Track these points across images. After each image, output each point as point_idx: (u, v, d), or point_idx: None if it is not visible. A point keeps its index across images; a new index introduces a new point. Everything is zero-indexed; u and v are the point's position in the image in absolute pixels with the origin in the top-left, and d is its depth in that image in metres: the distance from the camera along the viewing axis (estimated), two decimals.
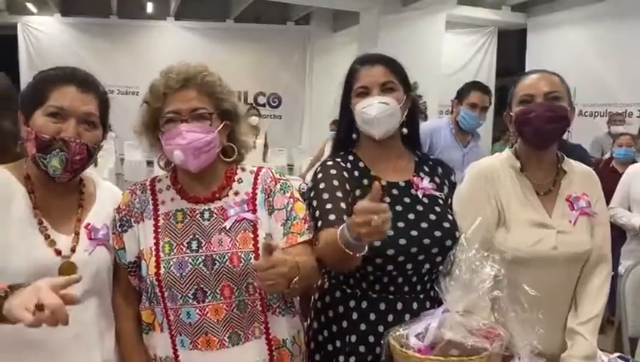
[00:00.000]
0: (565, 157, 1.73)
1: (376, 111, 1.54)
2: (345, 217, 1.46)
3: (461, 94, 3.36)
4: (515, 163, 1.68)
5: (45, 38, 11.62)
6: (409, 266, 1.52)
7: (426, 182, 1.61)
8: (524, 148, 1.68)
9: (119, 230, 1.42)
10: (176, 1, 11.00)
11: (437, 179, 1.66)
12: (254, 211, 1.42)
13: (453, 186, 1.70)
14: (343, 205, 1.49)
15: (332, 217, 1.47)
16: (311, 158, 7.46)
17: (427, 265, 1.54)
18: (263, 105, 11.51)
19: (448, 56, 8.33)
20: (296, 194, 1.48)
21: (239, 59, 10.34)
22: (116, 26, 11.76)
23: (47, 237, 1.31)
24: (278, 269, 1.18)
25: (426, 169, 1.67)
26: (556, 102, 1.60)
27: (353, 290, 1.56)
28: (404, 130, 1.62)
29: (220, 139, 1.42)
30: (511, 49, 10.17)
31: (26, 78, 12.36)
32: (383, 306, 1.53)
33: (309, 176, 6.50)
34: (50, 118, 1.29)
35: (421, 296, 1.55)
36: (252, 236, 1.39)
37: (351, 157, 1.64)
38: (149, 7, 11.58)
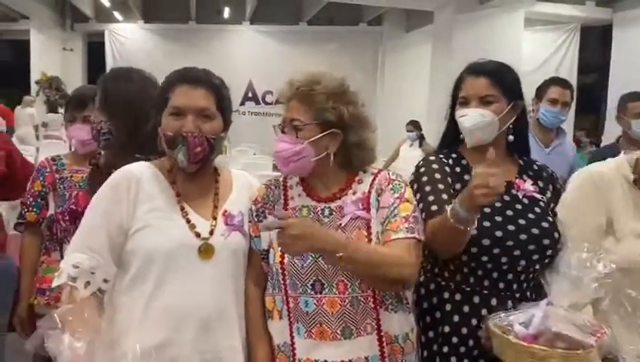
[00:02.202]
0: None
1: (469, 124, 1.60)
2: (447, 207, 1.48)
3: (540, 91, 3.22)
4: (629, 175, 1.61)
5: (129, 44, 12.27)
6: (504, 260, 1.52)
7: (528, 185, 1.61)
8: None
9: (255, 219, 1.53)
10: (252, 6, 11.29)
11: (540, 183, 1.65)
12: (368, 210, 1.47)
13: (557, 193, 1.67)
14: (444, 196, 1.54)
15: (434, 208, 1.52)
16: (384, 159, 7.41)
17: (523, 262, 1.52)
18: None
19: (526, 54, 8.04)
20: (408, 195, 1.47)
21: (312, 60, 10.48)
22: (194, 31, 12.23)
23: (188, 221, 1.45)
24: (290, 231, 1.29)
25: (530, 173, 1.67)
26: None
27: (447, 283, 1.58)
28: (510, 138, 1.64)
29: (318, 149, 1.45)
30: (594, 45, 9.69)
31: None
32: (477, 299, 1.53)
33: None
34: (172, 117, 1.44)
35: (517, 295, 1.53)
36: (366, 234, 1.44)
37: (454, 155, 1.68)
38: (226, 13, 11.96)
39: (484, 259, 1.51)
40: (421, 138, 6.72)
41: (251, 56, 12.01)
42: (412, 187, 1.58)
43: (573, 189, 1.64)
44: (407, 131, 6.73)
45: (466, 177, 1.60)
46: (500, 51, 7.14)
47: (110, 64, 12.15)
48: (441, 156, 1.67)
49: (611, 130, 7.58)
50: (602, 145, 7.65)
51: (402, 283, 1.44)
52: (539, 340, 1.26)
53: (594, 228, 1.56)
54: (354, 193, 1.50)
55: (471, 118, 1.59)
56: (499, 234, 1.51)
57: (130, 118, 1.66)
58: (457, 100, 1.66)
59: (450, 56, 7.49)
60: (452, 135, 1.70)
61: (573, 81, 8.76)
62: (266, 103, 12.28)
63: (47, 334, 1.24)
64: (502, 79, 1.62)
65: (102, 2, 11.11)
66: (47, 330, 1.25)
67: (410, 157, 6.55)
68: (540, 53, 9.22)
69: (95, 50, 12.59)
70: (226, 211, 1.50)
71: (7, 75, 12.30)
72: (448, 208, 1.39)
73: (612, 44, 8.36)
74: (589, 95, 9.26)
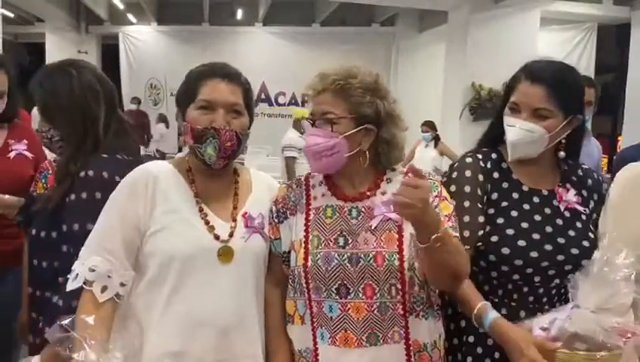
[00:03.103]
0: None
1: (515, 138, 1.46)
2: (465, 233, 1.42)
3: None
4: None
5: (142, 46, 12.34)
6: (537, 279, 1.44)
7: (571, 195, 1.51)
8: None
9: (276, 221, 1.48)
10: (265, 8, 11.28)
11: (584, 193, 1.54)
12: None
13: (602, 200, 1.55)
14: (466, 218, 1.45)
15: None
16: None
17: (557, 280, 1.45)
18: None
19: (542, 54, 7.87)
20: (444, 193, 1.44)
21: (325, 61, 10.28)
22: (208, 33, 12.25)
23: (207, 222, 1.41)
24: (419, 193, 1.17)
25: (575, 179, 1.56)
26: None
27: None
28: (562, 154, 1.51)
29: (352, 144, 1.40)
30: (611, 45, 9.55)
31: (126, 82, 13.07)
32: (504, 311, 1.44)
33: None
34: (202, 110, 1.40)
35: (546, 308, 1.45)
36: (397, 236, 1.39)
37: (494, 155, 1.55)
38: (239, 14, 11.96)
39: (516, 277, 1.44)
40: (436, 138, 6.65)
41: (264, 58, 11.99)
42: None
43: (619, 188, 1.52)
44: (422, 132, 6.66)
45: (505, 185, 1.50)
46: (516, 51, 7.06)
47: (124, 66, 12.26)
48: (480, 157, 1.54)
49: (630, 132, 7.47)
50: (620, 146, 7.53)
51: (462, 281, 1.37)
52: (557, 343, 1.21)
53: (637, 231, 1.44)
54: (383, 193, 1.43)
55: (518, 131, 1.44)
56: (534, 255, 1.42)
57: (78, 120, 1.56)
58: (508, 103, 1.50)
59: (465, 57, 7.43)
60: (496, 133, 1.56)
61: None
62: (279, 104, 12.28)
63: (66, 347, 1.21)
64: (562, 91, 1.43)
65: (116, 5, 11.17)
66: (66, 344, 1.21)
67: (425, 158, 6.49)
68: (556, 53, 8.99)
69: (109, 53, 12.66)
70: (246, 213, 1.45)
71: (23, 77, 12.40)
72: (477, 306, 1.35)
73: (630, 43, 8.23)
74: (606, 95, 9.12)
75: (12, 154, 2.15)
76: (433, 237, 1.21)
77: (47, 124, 1.60)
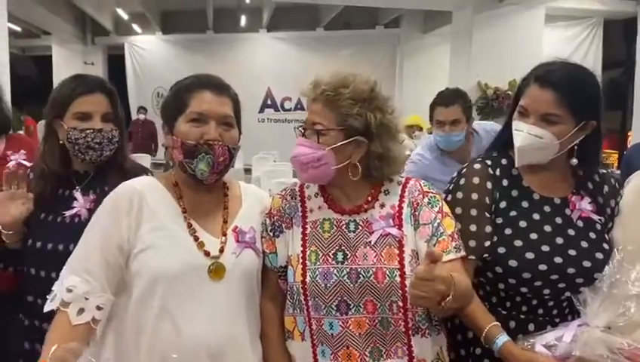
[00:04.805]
0: None
1: (523, 143, 1.39)
2: (471, 242, 1.38)
3: None
4: None
5: (148, 56, 12.42)
6: (546, 291, 1.39)
7: (585, 203, 1.44)
8: None
9: (271, 234, 1.43)
10: (269, 14, 11.31)
11: (600, 199, 1.46)
12: (400, 226, 1.36)
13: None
14: (472, 227, 1.40)
15: None
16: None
17: (568, 293, 1.38)
18: None
19: (548, 51, 7.87)
20: (446, 209, 1.39)
21: (329, 65, 10.30)
22: (212, 41, 12.30)
23: (196, 239, 1.35)
24: (435, 285, 1.11)
25: (590, 186, 1.47)
26: None
27: (482, 303, 1.42)
28: (574, 161, 1.42)
29: (341, 157, 1.35)
30: (618, 40, 9.48)
31: (132, 91, 13.06)
32: (512, 324, 1.40)
33: None
34: (193, 123, 1.35)
35: (557, 321, 1.39)
36: (397, 252, 1.33)
37: (504, 161, 1.49)
38: (243, 21, 12.00)
39: (524, 290, 1.39)
40: None
41: (269, 63, 12.04)
42: (447, 196, 1.45)
43: (634, 196, 1.44)
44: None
45: (514, 193, 1.44)
46: (521, 49, 7.06)
47: (130, 76, 12.34)
48: (489, 163, 1.47)
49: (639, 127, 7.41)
50: (630, 141, 7.46)
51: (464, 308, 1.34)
52: None
53: None
54: (382, 205, 1.39)
55: (526, 137, 1.38)
56: (543, 267, 1.36)
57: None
58: (518, 106, 1.43)
59: (470, 56, 7.41)
60: (506, 137, 1.49)
61: (598, 77, 8.52)
62: (285, 110, 12.29)
63: None
64: (572, 95, 1.35)
65: (121, 15, 11.24)
66: None
67: None
68: (562, 50, 9.02)
69: (115, 63, 12.74)
70: (236, 227, 1.40)
71: (31, 90, 12.51)
72: (487, 328, 1.30)
73: (637, 37, 8.16)
74: (614, 91, 9.06)
75: (11, 164, 2.14)
76: (445, 301, 1.15)
77: (112, 126, 1.67)
